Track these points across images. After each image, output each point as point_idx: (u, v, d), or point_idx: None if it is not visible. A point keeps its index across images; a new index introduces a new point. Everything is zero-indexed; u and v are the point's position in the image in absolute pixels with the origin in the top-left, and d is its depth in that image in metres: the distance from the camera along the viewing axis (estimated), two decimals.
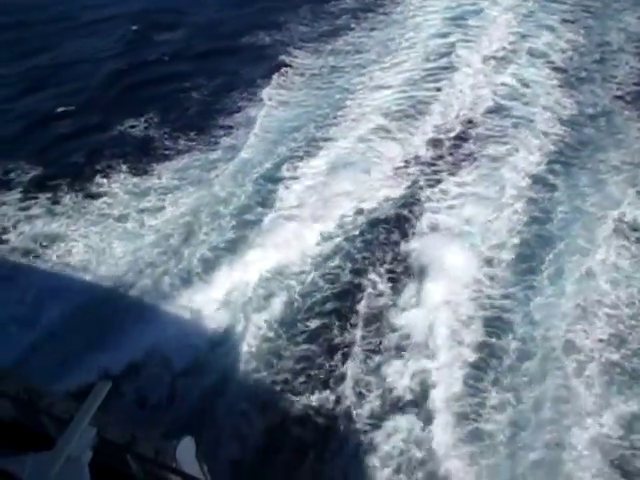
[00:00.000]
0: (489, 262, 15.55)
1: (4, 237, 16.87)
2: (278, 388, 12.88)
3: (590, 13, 29.64)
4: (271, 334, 14.07)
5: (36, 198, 18.30)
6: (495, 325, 13.83)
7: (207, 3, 36.87)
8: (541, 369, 12.46)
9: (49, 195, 18.37)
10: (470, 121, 21.76)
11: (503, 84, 23.88)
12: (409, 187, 18.62)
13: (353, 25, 31.45)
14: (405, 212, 17.58)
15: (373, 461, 11.38)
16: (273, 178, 19.28)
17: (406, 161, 19.90)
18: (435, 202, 17.91)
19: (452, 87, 23.90)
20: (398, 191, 18.50)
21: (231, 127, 22.50)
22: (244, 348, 13.69)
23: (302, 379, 13.06)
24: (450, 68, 25.44)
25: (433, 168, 19.51)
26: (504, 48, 26.55)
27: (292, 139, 21.40)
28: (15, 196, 18.56)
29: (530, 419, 11.63)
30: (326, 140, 21.19)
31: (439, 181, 18.81)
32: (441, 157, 20.07)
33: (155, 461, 6.78)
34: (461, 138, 20.94)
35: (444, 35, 28.98)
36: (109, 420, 7.06)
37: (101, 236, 16.60)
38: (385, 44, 29.00)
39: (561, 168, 18.97)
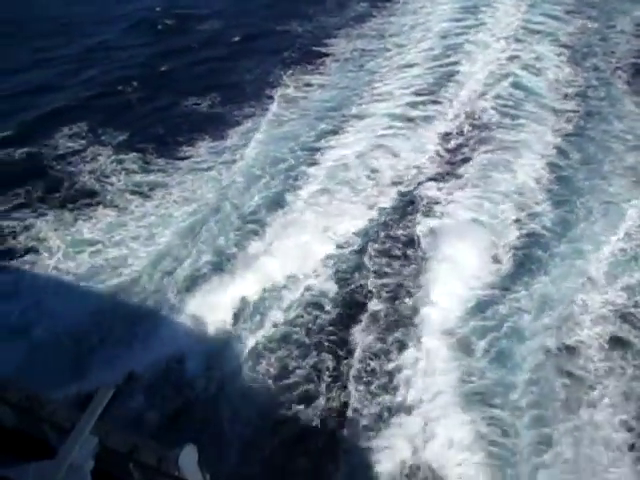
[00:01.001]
0: (525, 208, 18.45)
1: (108, 180, 20.43)
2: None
3: (592, 7, 33.31)
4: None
5: (127, 156, 21.88)
6: (531, 247, 16.93)
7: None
8: (566, 266, 15.97)
9: (140, 155, 21.90)
10: (490, 93, 24.98)
11: (516, 57, 27.52)
12: (441, 157, 21.52)
13: (374, 13, 35.70)
14: (443, 175, 20.50)
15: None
16: (313, 147, 22.41)
17: (436, 132, 22.80)
18: (467, 166, 20.73)
19: (469, 62, 27.55)
20: (433, 159, 21.38)
21: (274, 100, 26.04)
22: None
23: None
24: (466, 46, 29.16)
25: (460, 138, 22.43)
26: (514, 30, 30.32)
27: (330, 116, 24.54)
28: (108, 152, 22.21)
29: (550, 294, 15.10)
30: (360, 118, 24.24)
31: (467, 151, 21.68)
32: (468, 128, 22.93)
33: (157, 469, 6.85)
34: (483, 110, 23.94)
35: (457, 20, 32.89)
36: (111, 428, 7.18)
37: (193, 182, 20.34)
38: (403, 28, 33.12)
39: (573, 138, 21.88)
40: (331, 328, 15.07)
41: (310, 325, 15.22)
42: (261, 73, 28.99)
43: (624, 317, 14.21)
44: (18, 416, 7.57)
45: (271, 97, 26.41)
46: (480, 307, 15.17)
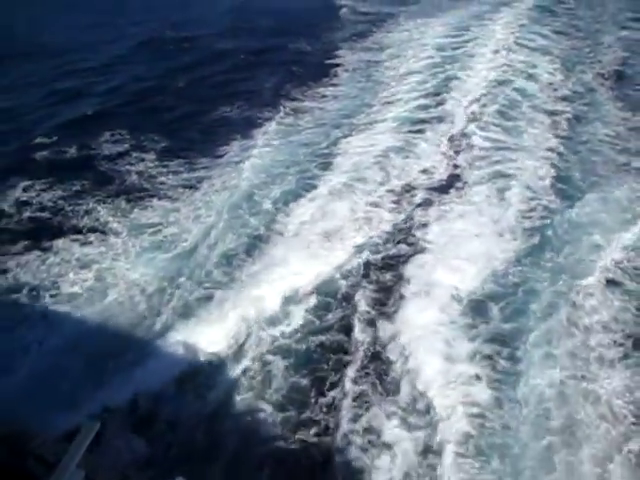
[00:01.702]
0: (532, 199, 20.82)
1: (158, 180, 23.17)
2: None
3: (579, 30, 37.80)
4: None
5: (171, 161, 24.66)
6: (541, 231, 19.09)
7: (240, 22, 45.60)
8: (575, 245, 18.34)
9: (184, 160, 24.72)
10: (489, 97, 28.23)
11: (511, 65, 31.24)
12: (449, 157, 23.96)
13: (374, 29, 40.70)
14: (451, 173, 22.90)
15: None
16: (328, 154, 24.88)
17: (442, 135, 25.48)
18: (473, 164, 23.23)
19: (467, 70, 31.25)
20: (441, 160, 23.75)
21: (289, 109, 29.23)
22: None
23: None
24: (462, 56, 33.10)
25: (464, 139, 25.11)
26: (508, 44, 34.17)
27: (343, 124, 27.40)
28: (152, 156, 25.02)
29: (561, 264, 17.65)
30: (371, 124, 27.08)
31: (472, 151, 24.19)
32: (471, 130, 25.57)
33: None
34: (484, 113, 26.90)
35: (452, 36, 37.11)
36: (98, 462, 7.22)
37: (230, 174, 23.33)
38: (401, 42, 37.68)
39: (566, 140, 24.68)
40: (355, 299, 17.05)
41: (340, 295, 17.20)
42: (275, 85, 32.54)
43: (619, 266, 17.32)
44: (3, 450, 7.50)
45: (285, 106, 29.52)
46: (495, 278, 17.29)
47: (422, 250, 18.94)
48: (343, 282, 17.58)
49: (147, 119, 28.84)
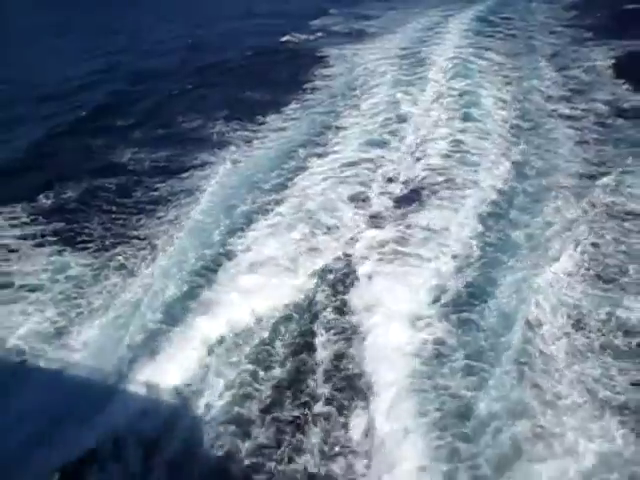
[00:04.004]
0: (505, 145, 26.22)
1: (236, 134, 31.37)
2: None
3: (515, 37, 48.09)
4: None
5: (233, 132, 32.30)
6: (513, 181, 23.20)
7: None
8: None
9: (245, 121, 33.40)
10: (451, 65, 37.56)
11: (464, 52, 41.71)
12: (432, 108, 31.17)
13: (346, 38, 53.29)
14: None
15: None
16: (333, 126, 30.91)
17: (427, 93, 33.26)
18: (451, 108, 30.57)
19: (430, 53, 42.74)
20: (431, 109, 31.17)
21: (311, 95, 36.89)
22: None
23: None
24: (424, 47, 44.96)
25: (443, 90, 33.27)
26: (460, 43, 45.19)
27: (349, 95, 35.34)
28: (216, 129, 32.99)
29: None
30: (371, 87, 36.01)
31: (448, 102, 31.54)
32: (447, 88, 33.60)
33: None
34: (450, 74, 35.96)
35: (411, 41, 48.38)
36: None
37: (275, 134, 31.52)
38: (375, 39, 50.73)
39: (514, 96, 31.88)
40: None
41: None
42: (292, 73, 42.83)
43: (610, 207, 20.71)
44: None
45: (300, 86, 39.05)
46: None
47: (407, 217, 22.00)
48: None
49: (170, 103, 38.91)
